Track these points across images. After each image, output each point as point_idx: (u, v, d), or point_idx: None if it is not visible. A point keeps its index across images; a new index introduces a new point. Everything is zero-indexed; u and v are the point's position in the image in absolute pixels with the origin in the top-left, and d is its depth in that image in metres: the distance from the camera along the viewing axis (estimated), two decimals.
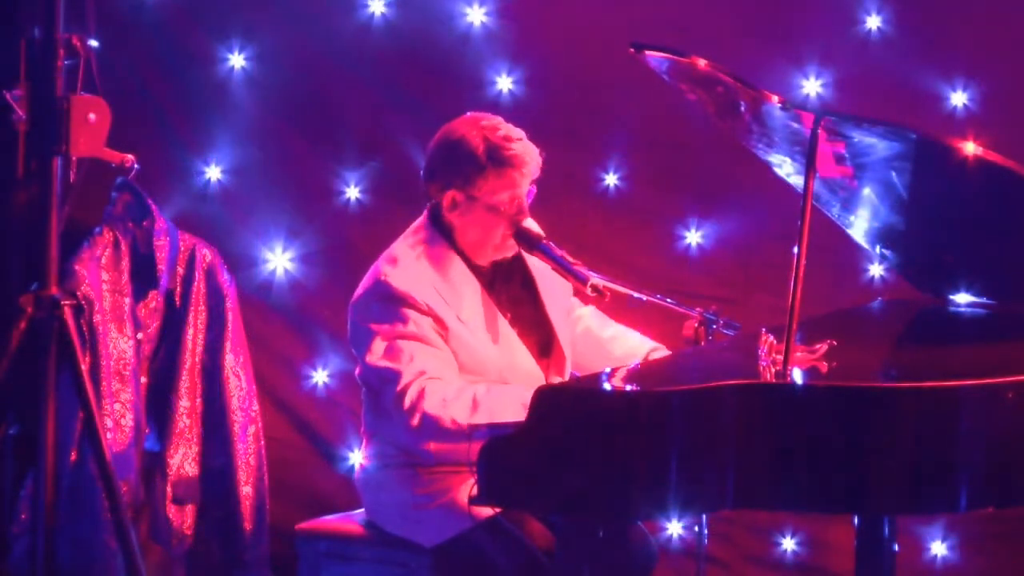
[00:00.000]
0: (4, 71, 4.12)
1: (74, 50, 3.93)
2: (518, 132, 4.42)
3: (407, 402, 4.18)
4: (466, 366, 4.34)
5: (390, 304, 4.31)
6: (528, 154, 4.39)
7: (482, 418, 4.10)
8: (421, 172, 4.49)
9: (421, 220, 4.49)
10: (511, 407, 4.05)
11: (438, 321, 4.32)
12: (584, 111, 5.67)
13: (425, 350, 4.26)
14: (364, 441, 4.53)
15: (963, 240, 4.65)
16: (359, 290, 4.40)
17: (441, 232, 4.44)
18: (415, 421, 4.18)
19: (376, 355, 4.28)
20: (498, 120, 4.44)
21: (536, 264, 4.53)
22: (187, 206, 5.63)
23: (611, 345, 4.67)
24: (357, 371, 4.45)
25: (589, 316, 4.75)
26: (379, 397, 4.32)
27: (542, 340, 4.51)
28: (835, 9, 5.66)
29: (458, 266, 4.41)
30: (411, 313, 4.29)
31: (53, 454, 3.96)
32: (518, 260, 4.53)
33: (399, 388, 4.21)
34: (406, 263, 4.38)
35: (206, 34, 5.68)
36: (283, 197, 5.70)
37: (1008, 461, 3.76)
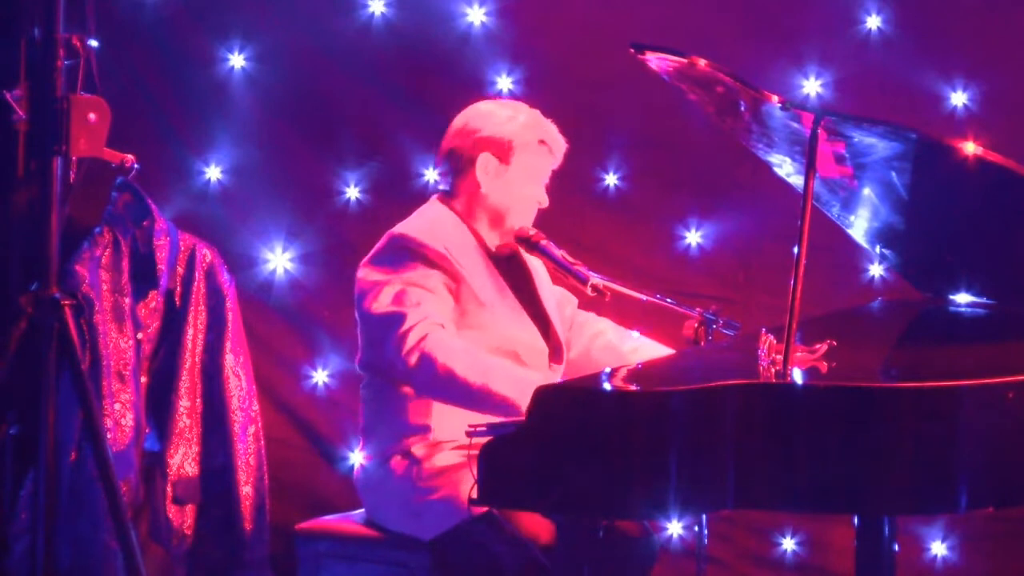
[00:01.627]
0: (4, 71, 4.13)
1: (74, 50, 3.93)
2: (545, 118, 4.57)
3: (409, 341, 4.19)
4: (473, 323, 4.37)
5: (403, 254, 4.35)
6: (559, 143, 4.53)
7: (477, 377, 4.11)
8: (446, 142, 4.53)
9: (431, 201, 4.55)
10: (508, 383, 4.08)
11: (452, 274, 4.35)
12: (584, 111, 5.67)
13: (432, 298, 4.29)
14: (363, 438, 4.53)
15: (963, 240, 4.65)
16: (370, 253, 4.44)
17: (453, 211, 4.49)
18: (413, 360, 4.17)
19: (382, 303, 4.29)
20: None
21: (533, 264, 4.57)
22: (187, 206, 5.63)
23: (631, 357, 4.69)
24: (358, 358, 4.45)
25: (610, 330, 4.79)
26: (382, 346, 4.28)
27: (541, 326, 4.53)
28: (835, 9, 5.66)
29: (469, 239, 4.47)
30: (423, 265, 4.33)
31: (53, 454, 3.96)
32: (516, 258, 4.56)
33: (402, 330, 4.21)
34: (420, 223, 4.44)
35: (206, 34, 5.68)
36: (283, 197, 5.70)
37: (1008, 461, 3.76)
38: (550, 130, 4.53)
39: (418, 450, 4.37)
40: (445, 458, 4.34)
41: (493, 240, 4.53)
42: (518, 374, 4.15)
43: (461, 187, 4.52)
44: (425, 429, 4.37)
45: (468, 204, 4.51)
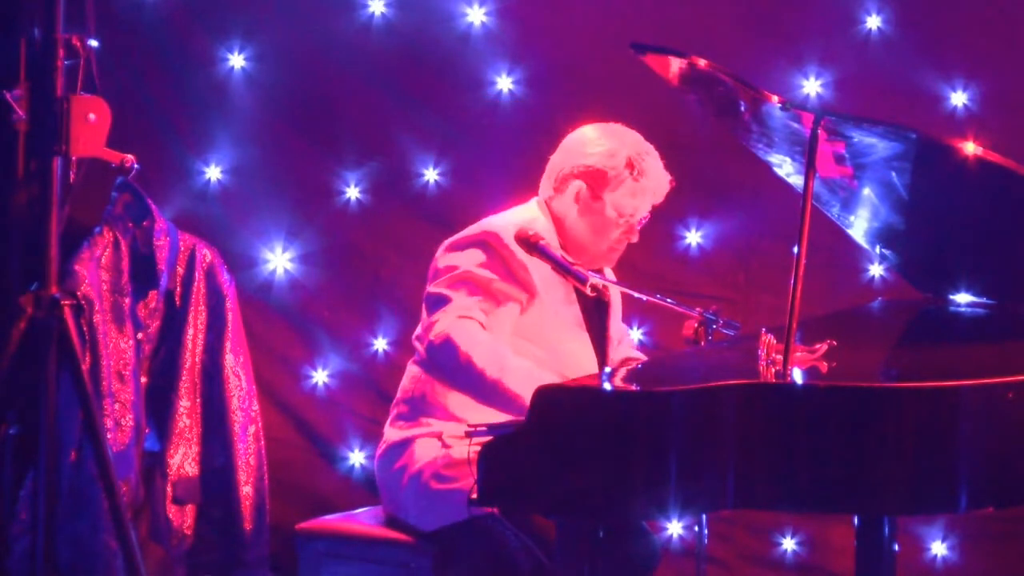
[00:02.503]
0: (4, 71, 4.13)
1: (74, 50, 3.93)
2: (657, 157, 4.55)
3: (441, 323, 4.26)
4: (532, 334, 4.40)
5: (486, 251, 4.38)
6: (661, 179, 4.53)
7: (493, 371, 4.16)
8: (554, 158, 4.55)
9: (532, 202, 4.57)
10: (526, 384, 4.08)
11: (526, 286, 4.38)
12: (584, 111, 5.65)
13: (487, 300, 4.33)
14: (394, 411, 4.52)
15: (963, 240, 4.65)
16: (457, 236, 4.46)
17: (548, 219, 4.53)
18: (439, 340, 4.24)
19: (440, 285, 4.35)
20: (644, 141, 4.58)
21: (614, 292, 4.61)
22: (187, 206, 5.64)
23: None
24: (416, 333, 4.47)
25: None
26: (424, 321, 4.36)
27: (599, 355, 4.55)
28: (835, 9, 5.66)
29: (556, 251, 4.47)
30: (499, 268, 4.36)
31: (53, 454, 3.96)
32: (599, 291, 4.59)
33: (441, 311, 4.28)
34: (514, 224, 4.43)
35: (206, 34, 5.68)
36: (283, 197, 5.71)
37: (1008, 461, 3.76)
38: (648, 164, 4.52)
39: (449, 438, 4.38)
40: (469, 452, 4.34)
41: (585, 258, 4.54)
42: (534, 376, 4.15)
43: (554, 203, 4.54)
44: (462, 420, 4.37)
45: (558, 220, 4.53)
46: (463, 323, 4.26)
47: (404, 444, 4.44)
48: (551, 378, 4.18)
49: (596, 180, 4.49)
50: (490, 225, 4.46)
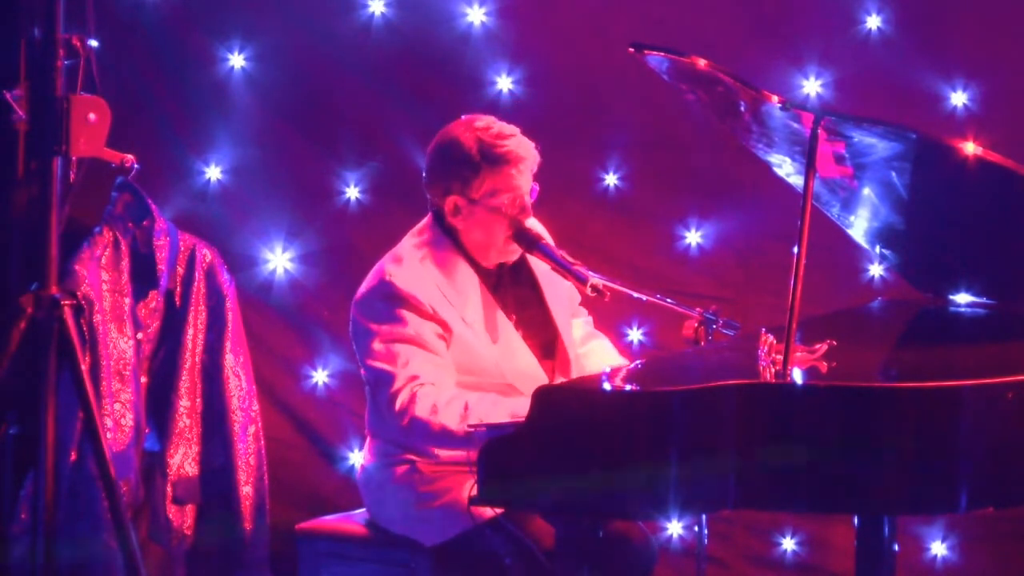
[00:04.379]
0: (4, 71, 4.12)
1: (74, 50, 3.93)
2: (511, 128, 4.43)
3: (398, 405, 4.20)
4: (469, 367, 4.34)
5: (392, 304, 4.31)
6: (522, 149, 4.39)
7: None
8: (423, 176, 4.49)
9: (426, 221, 4.49)
10: (502, 417, 4.05)
11: (442, 324, 4.32)
12: (584, 111, 5.67)
13: (421, 355, 4.26)
14: (367, 440, 4.53)
15: (963, 240, 4.65)
16: (363, 288, 4.40)
17: (445, 234, 4.44)
18: (404, 423, 4.20)
19: (373, 356, 4.29)
20: (490, 119, 4.45)
21: (540, 267, 4.53)
22: (187, 206, 5.63)
23: (583, 361, 4.65)
24: (362, 370, 4.46)
25: (576, 327, 4.75)
26: (375, 397, 4.34)
27: (546, 342, 4.52)
28: (835, 9, 5.66)
29: (463, 268, 4.41)
30: (412, 316, 4.29)
31: (53, 454, 3.95)
32: (523, 262, 4.54)
33: (391, 391, 4.22)
34: (411, 264, 4.38)
35: (206, 34, 5.68)
36: (283, 197, 5.71)
37: (1008, 461, 3.76)
38: (510, 145, 4.38)
39: (420, 461, 4.37)
40: (447, 466, 4.33)
41: (490, 257, 4.47)
42: (515, 408, 4.06)
43: (456, 221, 4.43)
44: (426, 451, 4.35)
45: (460, 227, 4.43)
46: (420, 394, 4.18)
47: (379, 470, 4.45)
48: (522, 403, 3.95)
49: (462, 188, 4.36)
50: (383, 273, 4.36)
